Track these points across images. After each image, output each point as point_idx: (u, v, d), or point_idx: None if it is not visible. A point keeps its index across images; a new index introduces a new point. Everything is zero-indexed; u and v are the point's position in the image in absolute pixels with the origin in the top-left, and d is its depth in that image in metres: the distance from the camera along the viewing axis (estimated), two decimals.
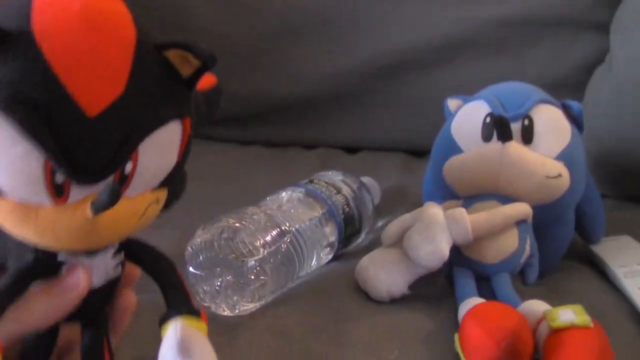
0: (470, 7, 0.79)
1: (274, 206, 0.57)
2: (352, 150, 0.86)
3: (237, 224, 0.52)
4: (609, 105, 0.69)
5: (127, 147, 0.32)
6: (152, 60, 0.33)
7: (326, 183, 0.62)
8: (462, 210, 0.50)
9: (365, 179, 0.68)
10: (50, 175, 0.31)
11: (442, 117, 0.82)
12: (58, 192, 0.32)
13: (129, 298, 0.39)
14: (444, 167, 0.56)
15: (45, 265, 0.35)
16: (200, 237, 0.52)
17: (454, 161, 0.55)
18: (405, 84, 0.81)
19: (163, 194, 0.36)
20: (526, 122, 0.53)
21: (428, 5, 0.79)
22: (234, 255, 0.50)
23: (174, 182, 0.37)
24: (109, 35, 0.31)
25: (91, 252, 0.36)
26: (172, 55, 0.33)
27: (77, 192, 0.32)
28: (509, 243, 0.51)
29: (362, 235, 0.63)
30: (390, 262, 0.51)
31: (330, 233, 0.58)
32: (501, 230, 0.50)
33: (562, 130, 0.54)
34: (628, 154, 0.67)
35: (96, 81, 0.31)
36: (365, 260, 0.53)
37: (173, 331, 0.35)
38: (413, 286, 0.51)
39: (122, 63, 0.31)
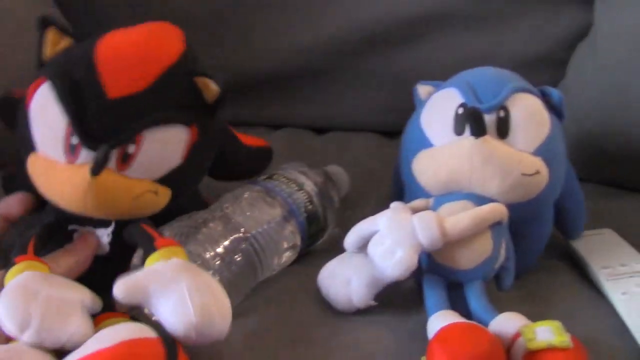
0: None
1: (228, 209, 0.52)
2: (320, 130, 0.80)
3: (188, 235, 0.47)
4: (592, 83, 0.65)
5: (131, 129, 0.41)
6: (180, 79, 0.43)
7: (286, 179, 0.57)
8: (432, 213, 0.46)
9: (332, 168, 0.63)
10: (68, 136, 0.41)
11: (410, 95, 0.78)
12: (72, 152, 0.41)
13: None
14: (412, 162, 0.51)
15: (60, 227, 0.44)
16: None
17: (423, 156, 0.51)
18: (375, 60, 0.76)
19: (164, 190, 0.43)
20: (501, 114, 0.49)
21: None
22: None
23: (179, 186, 0.44)
24: (148, 54, 0.43)
25: (94, 226, 0.44)
26: (198, 80, 0.44)
27: (85, 156, 0.41)
28: (483, 247, 0.47)
29: (328, 231, 0.59)
30: (353, 271, 0.47)
31: (292, 234, 0.54)
32: (474, 233, 0.46)
33: (540, 122, 0.49)
34: (612, 137, 0.63)
35: (124, 76, 0.41)
36: (327, 269, 0.49)
37: (115, 291, 0.38)
38: (378, 294, 0.47)
39: (151, 72, 0.42)
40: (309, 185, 0.57)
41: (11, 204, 0.47)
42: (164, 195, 0.44)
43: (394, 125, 0.79)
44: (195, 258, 0.46)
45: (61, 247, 0.44)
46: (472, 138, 0.47)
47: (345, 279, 0.47)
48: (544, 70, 0.72)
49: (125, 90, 0.41)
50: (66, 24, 0.44)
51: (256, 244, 0.50)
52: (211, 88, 0.44)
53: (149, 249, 0.41)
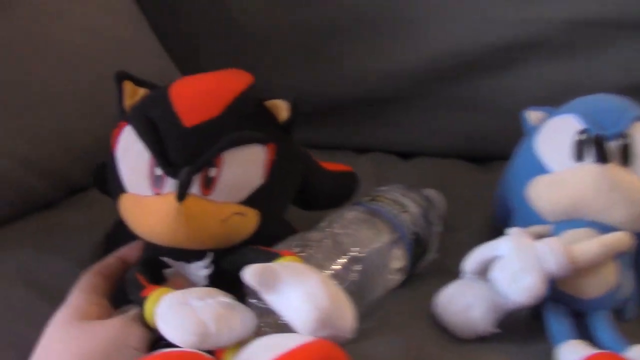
0: (535, 6, 0.72)
1: (337, 230, 0.52)
2: (405, 155, 0.80)
3: (303, 254, 0.48)
4: None
5: (210, 153, 0.41)
6: (250, 104, 0.45)
7: (390, 200, 0.57)
8: (558, 240, 0.45)
9: (429, 192, 0.63)
10: (152, 169, 0.42)
11: (504, 122, 0.77)
12: (157, 183, 0.42)
13: None
14: (527, 187, 0.51)
15: (156, 263, 0.44)
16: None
17: (540, 182, 0.50)
18: (464, 86, 0.75)
19: (251, 212, 0.43)
20: (624, 141, 0.48)
21: (491, 4, 0.72)
22: None
23: (265, 207, 0.44)
24: (219, 86, 0.46)
25: (187, 260, 0.44)
26: (267, 104, 0.46)
27: (170, 185, 0.42)
28: (608, 277, 0.46)
29: (431, 255, 0.58)
30: (474, 297, 0.46)
31: (400, 256, 0.53)
32: (600, 262, 0.45)
33: None
34: None
35: (197, 106, 0.44)
36: (444, 294, 0.48)
37: (248, 275, 0.39)
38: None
39: (223, 100, 0.44)
40: (413, 207, 0.57)
41: (132, 248, 0.48)
42: (252, 218, 0.44)
43: (481, 152, 0.80)
44: None
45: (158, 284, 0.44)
46: (596, 165, 0.47)
47: (465, 305, 0.46)
48: (637, 101, 0.71)
49: (200, 118, 0.43)
50: (141, 76, 0.47)
51: (368, 264, 0.50)
52: (282, 108, 0.45)
53: (272, 258, 0.42)
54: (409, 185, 0.61)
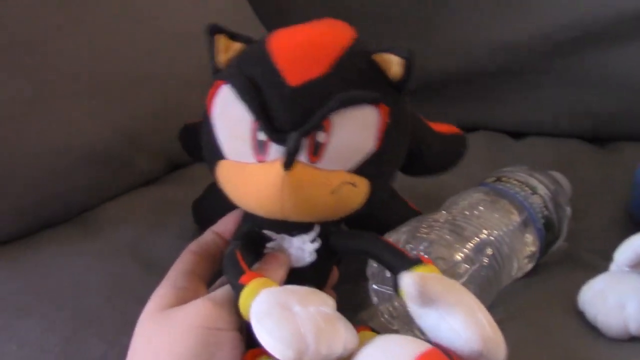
0: None
1: (464, 211, 0.48)
2: (515, 135, 0.75)
3: (431, 235, 0.44)
4: None
5: (319, 115, 0.37)
6: (359, 60, 0.40)
7: (518, 182, 0.52)
8: None
9: (554, 174, 0.58)
10: (255, 133, 0.38)
11: (629, 100, 0.70)
12: (260, 149, 0.38)
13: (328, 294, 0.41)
14: None
15: (256, 236, 0.41)
16: None
17: None
18: (587, 60, 0.69)
19: (361, 182, 0.39)
20: None
21: None
22: None
23: (376, 176, 0.40)
24: (323, 40, 0.40)
25: (291, 233, 0.40)
26: (378, 58, 0.40)
27: (275, 152, 0.38)
28: None
29: (559, 242, 0.53)
30: (629, 293, 0.41)
31: (531, 241, 0.49)
32: None
33: None
34: None
35: (301, 63, 0.39)
36: (592, 288, 0.43)
37: (409, 285, 0.35)
38: None
39: (329, 56, 0.39)
40: (542, 189, 0.52)
41: (227, 221, 0.44)
42: (363, 188, 0.39)
43: (600, 132, 0.73)
44: (441, 263, 0.42)
45: (258, 259, 0.40)
46: None
47: (618, 302, 0.41)
48: None
49: (305, 77, 0.38)
50: (234, 30, 0.42)
51: (500, 248, 0.45)
52: (394, 63, 0.39)
53: (407, 263, 0.37)
54: (533, 166, 0.56)
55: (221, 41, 0.42)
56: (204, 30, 0.42)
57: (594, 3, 0.67)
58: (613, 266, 0.44)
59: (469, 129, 0.75)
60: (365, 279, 0.44)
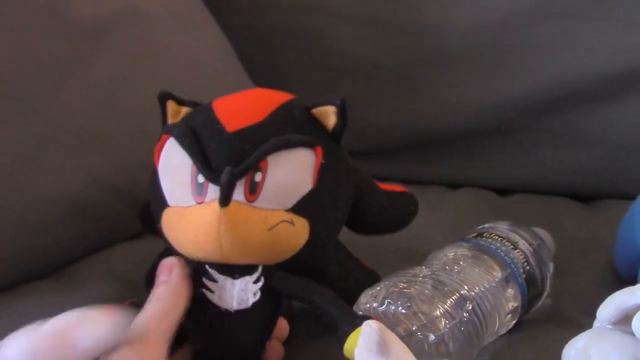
0: None
1: (444, 266, 0.48)
2: (501, 192, 0.75)
3: (410, 290, 0.44)
4: None
5: (255, 155, 0.39)
6: (296, 111, 0.43)
7: (499, 237, 0.52)
8: None
9: (537, 230, 0.58)
10: (194, 177, 0.40)
11: (613, 158, 0.71)
12: (199, 191, 0.39)
13: (275, 347, 0.43)
14: None
15: (198, 277, 0.40)
16: (367, 303, 0.43)
17: None
18: (573, 119, 0.70)
19: (301, 221, 0.40)
20: None
21: (609, 30, 0.67)
22: (414, 329, 0.41)
23: (315, 216, 0.40)
24: (259, 98, 0.44)
25: (233, 276, 0.40)
26: (315, 112, 0.43)
27: (212, 192, 0.39)
28: None
29: (543, 299, 0.53)
30: (612, 350, 0.40)
31: (513, 297, 0.48)
32: None
33: None
34: None
35: (241, 114, 0.42)
36: (575, 346, 0.42)
37: (373, 330, 0.36)
38: None
39: (267, 108, 0.42)
40: (524, 245, 0.52)
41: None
42: (302, 227, 0.40)
43: (586, 189, 0.74)
44: (421, 317, 0.42)
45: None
46: None
47: (602, 357, 0.41)
48: None
49: (243, 124, 0.41)
50: (182, 96, 0.46)
51: (481, 304, 0.45)
52: (331, 113, 0.42)
53: (356, 319, 0.38)
54: (516, 222, 0.56)
55: (171, 106, 0.45)
56: (157, 97, 0.45)
57: (577, 64, 0.69)
58: (596, 323, 0.43)
59: (455, 185, 0.76)
60: None
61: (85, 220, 0.58)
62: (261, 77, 0.75)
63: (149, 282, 0.53)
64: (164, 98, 0.45)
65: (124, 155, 0.61)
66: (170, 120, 0.45)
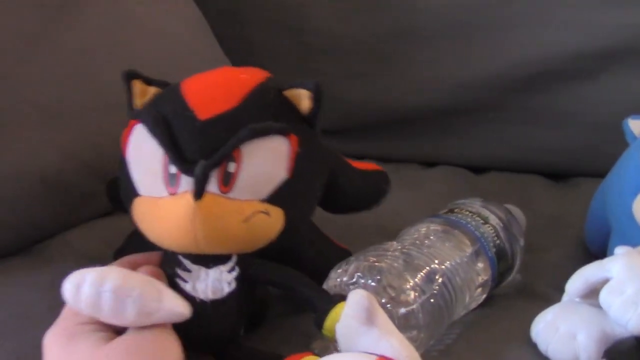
0: (630, 11, 0.67)
1: (415, 241, 0.48)
2: (476, 170, 0.76)
3: (381, 264, 0.44)
4: None
5: (228, 145, 0.38)
6: (269, 95, 0.41)
7: (469, 212, 0.52)
8: None
9: (509, 206, 0.58)
10: (166, 167, 0.39)
11: (585, 136, 0.71)
12: (171, 182, 0.38)
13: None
14: (634, 202, 0.45)
15: (172, 266, 0.40)
16: (337, 277, 0.43)
17: None
18: (548, 97, 0.70)
19: (275, 211, 0.39)
20: None
21: (584, 7, 0.67)
22: (384, 301, 0.41)
23: (290, 205, 0.40)
24: (230, 81, 0.42)
25: (207, 265, 0.40)
26: (288, 94, 0.41)
27: (185, 183, 0.38)
28: None
29: (514, 273, 0.53)
30: (579, 324, 0.41)
31: (483, 270, 0.49)
32: None
33: None
34: None
35: (212, 99, 0.40)
36: (544, 319, 0.43)
37: (360, 299, 0.36)
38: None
39: (240, 92, 0.40)
40: (494, 220, 0.52)
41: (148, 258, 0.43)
42: (277, 217, 0.39)
43: (560, 167, 0.74)
44: (390, 291, 0.42)
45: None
46: None
47: (569, 333, 0.41)
48: None
49: (215, 111, 0.39)
50: (149, 76, 0.44)
51: (451, 277, 0.45)
52: (304, 97, 0.41)
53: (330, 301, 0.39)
54: (487, 199, 0.56)
55: (137, 86, 0.43)
56: (121, 76, 0.43)
57: (553, 42, 0.69)
58: (565, 297, 0.44)
59: (430, 163, 0.76)
60: None
61: (55, 196, 0.57)
62: (236, 52, 0.74)
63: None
64: (129, 77, 0.43)
65: (94, 130, 0.60)
66: (137, 101, 0.43)
